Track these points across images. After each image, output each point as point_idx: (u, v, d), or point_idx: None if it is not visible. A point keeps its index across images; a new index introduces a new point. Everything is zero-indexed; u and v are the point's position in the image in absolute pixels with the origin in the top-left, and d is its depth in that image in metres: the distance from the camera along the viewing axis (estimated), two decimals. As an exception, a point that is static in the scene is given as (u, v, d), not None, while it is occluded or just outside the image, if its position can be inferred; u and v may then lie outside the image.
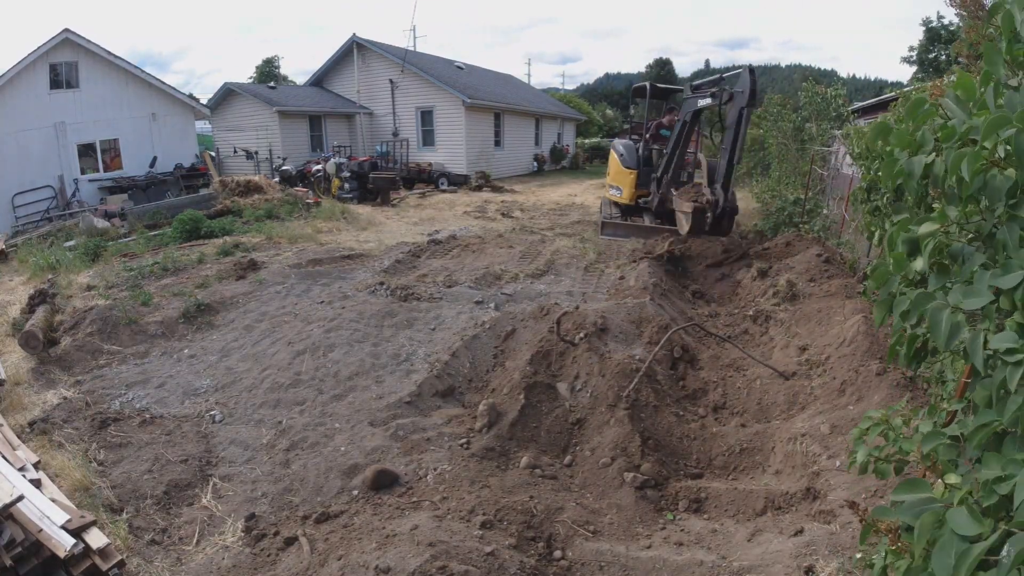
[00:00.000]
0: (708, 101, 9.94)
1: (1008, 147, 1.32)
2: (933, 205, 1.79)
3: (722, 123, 10.05)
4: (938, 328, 1.38)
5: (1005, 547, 1.10)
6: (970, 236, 1.56)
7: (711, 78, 10.72)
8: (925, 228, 1.58)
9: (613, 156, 12.56)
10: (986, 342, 1.32)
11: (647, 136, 12.66)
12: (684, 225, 10.30)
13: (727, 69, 10.93)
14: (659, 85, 13.99)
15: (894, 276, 1.70)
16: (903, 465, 1.85)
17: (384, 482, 3.97)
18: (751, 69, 9.00)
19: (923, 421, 1.87)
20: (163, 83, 18.27)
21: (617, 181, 12.35)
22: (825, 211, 10.65)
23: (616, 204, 12.67)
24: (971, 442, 1.38)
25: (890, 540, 1.57)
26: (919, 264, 1.64)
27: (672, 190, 11.07)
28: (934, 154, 1.60)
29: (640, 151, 12.35)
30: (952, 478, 1.37)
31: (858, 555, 2.55)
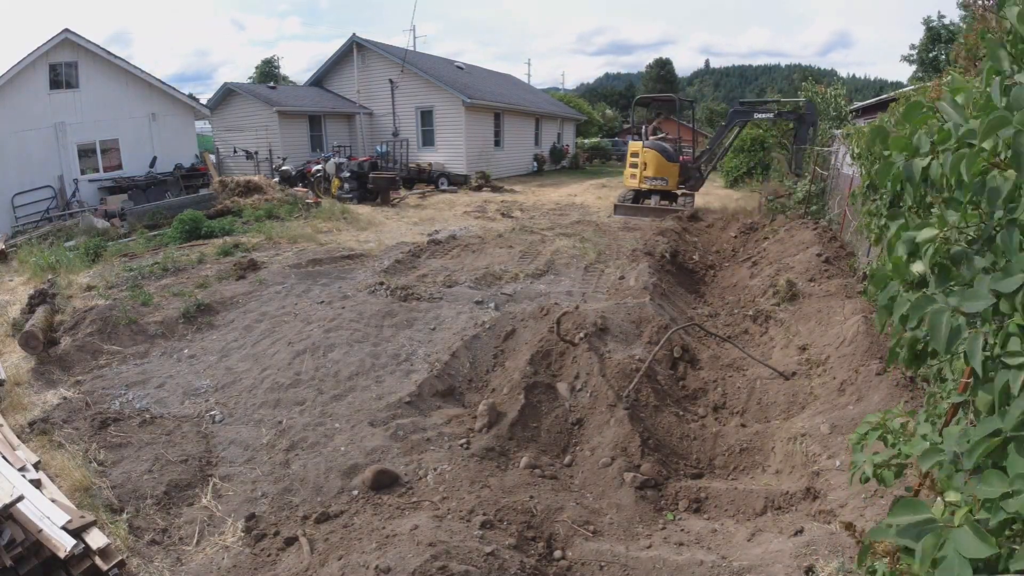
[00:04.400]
0: (769, 116, 14.28)
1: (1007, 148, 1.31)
2: (931, 209, 1.78)
3: (794, 135, 14.20)
4: (938, 331, 1.37)
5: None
6: (969, 239, 1.55)
7: (765, 100, 15.75)
8: (924, 234, 1.57)
9: (654, 153, 15.03)
10: (987, 344, 1.31)
11: (650, 136, 15.80)
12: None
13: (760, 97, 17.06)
14: (670, 96, 18.98)
15: (893, 280, 1.69)
16: (903, 469, 1.84)
17: (384, 482, 3.97)
18: (810, 102, 13.92)
19: (922, 423, 1.86)
20: (163, 83, 18.26)
21: (662, 173, 15.01)
22: (827, 209, 10.68)
23: (632, 191, 15.56)
24: (971, 456, 1.34)
25: (889, 563, 1.53)
26: (918, 267, 1.63)
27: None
28: (930, 157, 1.59)
29: (673, 150, 15.40)
30: (952, 495, 1.34)
31: None
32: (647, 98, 19.45)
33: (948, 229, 1.56)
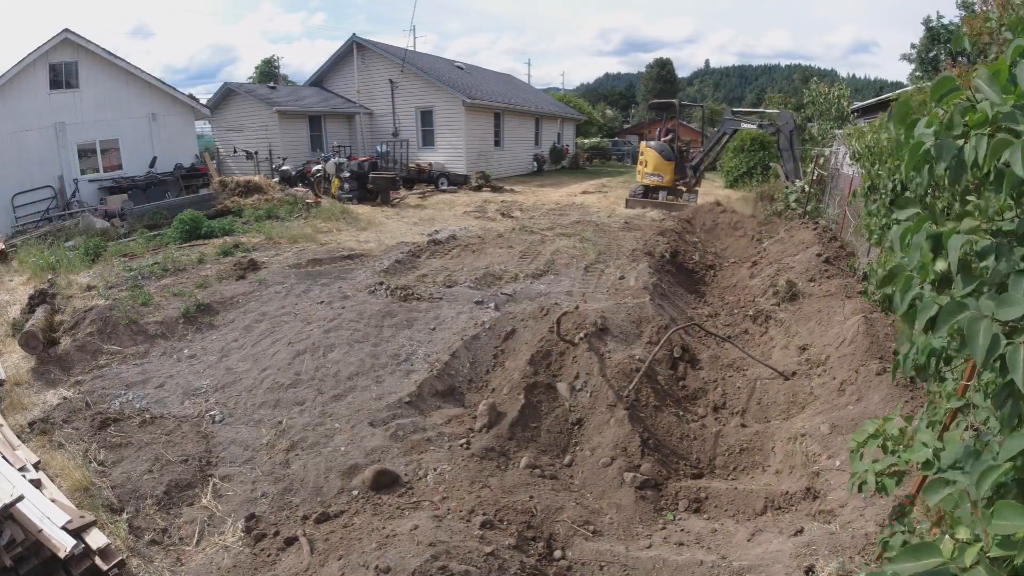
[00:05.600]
0: (753, 127, 15.95)
1: None
2: (966, 198, 1.61)
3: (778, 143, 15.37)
4: (975, 340, 1.21)
5: None
6: (1002, 234, 1.39)
7: (752, 111, 17.28)
8: (965, 224, 1.39)
9: (654, 152, 16.65)
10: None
11: (663, 138, 17.19)
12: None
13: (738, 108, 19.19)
14: (671, 101, 20.68)
15: (916, 279, 1.50)
16: (902, 477, 1.80)
17: (384, 482, 3.97)
18: (785, 111, 15.15)
19: (922, 429, 1.84)
20: (163, 83, 18.25)
21: (659, 170, 16.56)
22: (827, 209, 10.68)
23: (644, 185, 17.07)
24: (982, 483, 1.21)
25: None
26: (941, 265, 1.46)
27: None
28: (963, 141, 1.40)
29: (671, 149, 16.83)
30: (962, 532, 1.22)
31: None
32: (655, 103, 21.50)
33: (989, 221, 1.40)
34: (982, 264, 1.38)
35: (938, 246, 1.47)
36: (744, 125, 16.19)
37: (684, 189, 16.55)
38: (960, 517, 1.30)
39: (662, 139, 17.32)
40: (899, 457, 1.79)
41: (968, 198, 1.53)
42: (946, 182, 1.60)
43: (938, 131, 1.45)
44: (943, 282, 1.49)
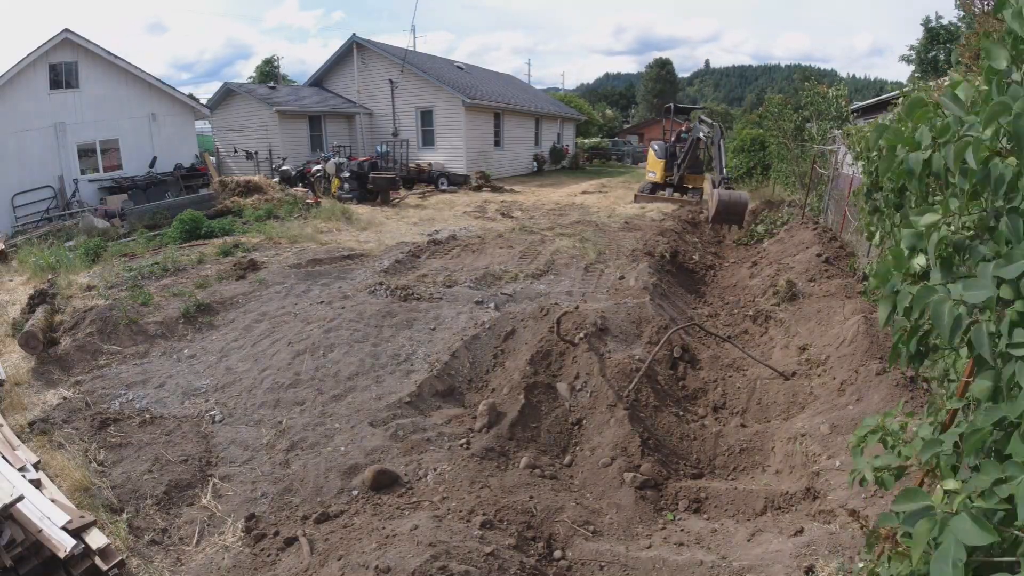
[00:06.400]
0: (701, 136, 15.88)
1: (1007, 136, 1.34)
2: (934, 200, 1.78)
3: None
4: (940, 321, 1.38)
5: None
6: (970, 232, 1.56)
7: (708, 119, 16.53)
8: (928, 218, 1.58)
9: (651, 151, 18.48)
10: (991, 333, 1.32)
11: (672, 138, 18.61)
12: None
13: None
14: (680, 105, 22.14)
15: (896, 273, 1.70)
16: (903, 472, 1.84)
17: (384, 482, 3.97)
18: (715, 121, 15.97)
19: (922, 425, 1.86)
20: (163, 83, 18.26)
21: (653, 168, 18.46)
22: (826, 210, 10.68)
23: (651, 182, 18.46)
24: (969, 442, 1.37)
25: (889, 545, 1.57)
26: (920, 260, 1.64)
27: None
28: (931, 151, 1.61)
29: (667, 149, 18.25)
30: (951, 483, 1.36)
31: (860, 564, 2.53)
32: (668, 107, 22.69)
33: (951, 216, 1.57)
34: (956, 258, 1.55)
35: (917, 245, 1.66)
36: (700, 135, 15.90)
37: (690, 186, 17.61)
38: (950, 470, 1.49)
39: (670, 140, 18.62)
40: (899, 453, 1.82)
41: (936, 198, 1.73)
42: (915, 191, 1.86)
43: (911, 148, 1.69)
44: (923, 276, 1.67)
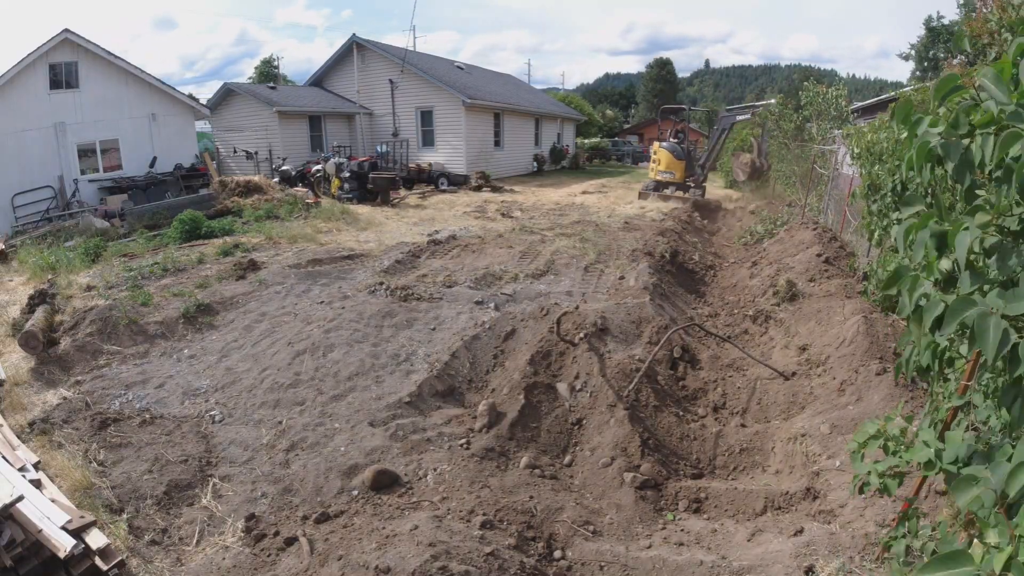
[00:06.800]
0: (747, 117, 18.01)
1: None
2: (973, 194, 1.56)
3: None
4: (985, 337, 1.21)
5: None
6: (1007, 235, 1.38)
7: (745, 105, 19.07)
8: (979, 218, 1.37)
9: (667, 152, 18.64)
10: None
11: (671, 138, 19.34)
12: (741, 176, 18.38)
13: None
14: (668, 106, 22.86)
15: (920, 279, 1.48)
16: (903, 477, 1.79)
17: (384, 482, 3.97)
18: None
19: (922, 425, 1.84)
20: (163, 83, 18.25)
21: (671, 168, 18.52)
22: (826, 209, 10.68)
23: (653, 181, 19.05)
24: (1015, 481, 1.18)
25: None
26: (945, 264, 1.46)
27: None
28: (968, 140, 1.40)
29: (685, 149, 18.87)
30: (992, 536, 1.20)
31: None
32: (666, 108, 23.50)
33: (999, 217, 1.37)
34: (990, 261, 1.36)
35: (943, 244, 1.45)
36: (739, 117, 18.31)
37: (692, 185, 18.30)
38: (988, 520, 1.27)
39: (671, 140, 19.32)
40: (900, 457, 1.79)
41: (977, 192, 1.46)
42: (948, 181, 1.57)
43: (945, 130, 1.43)
44: (948, 282, 1.47)
